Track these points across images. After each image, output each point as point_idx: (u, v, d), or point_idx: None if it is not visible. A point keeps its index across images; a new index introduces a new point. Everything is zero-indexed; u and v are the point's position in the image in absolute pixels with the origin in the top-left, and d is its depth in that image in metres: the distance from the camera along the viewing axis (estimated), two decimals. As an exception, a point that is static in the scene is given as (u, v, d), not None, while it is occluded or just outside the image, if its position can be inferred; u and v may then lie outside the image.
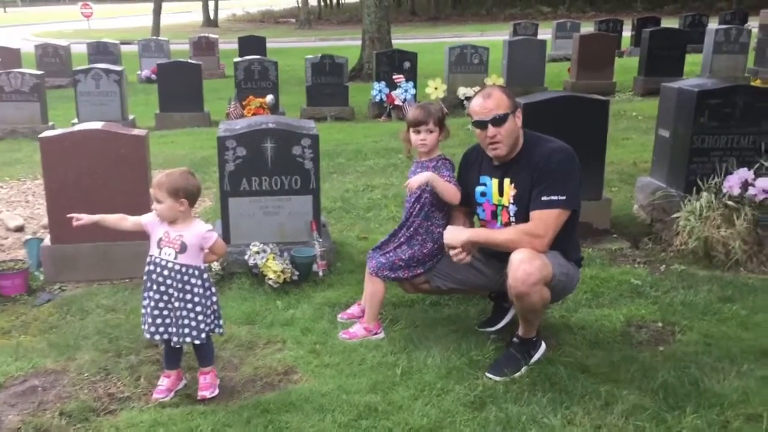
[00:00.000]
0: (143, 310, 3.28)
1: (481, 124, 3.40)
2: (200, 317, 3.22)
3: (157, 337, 3.26)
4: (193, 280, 3.21)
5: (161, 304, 3.22)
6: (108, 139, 4.68)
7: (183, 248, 3.20)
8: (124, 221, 3.40)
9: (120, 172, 4.67)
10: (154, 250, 3.25)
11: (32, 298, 4.56)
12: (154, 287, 3.22)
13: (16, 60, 15.02)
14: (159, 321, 3.23)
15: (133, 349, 3.77)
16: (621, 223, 5.62)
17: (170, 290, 3.21)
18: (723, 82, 5.52)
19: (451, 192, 3.63)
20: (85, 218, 3.39)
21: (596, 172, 5.23)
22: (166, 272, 3.20)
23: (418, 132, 3.68)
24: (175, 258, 3.19)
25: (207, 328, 3.26)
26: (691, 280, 4.50)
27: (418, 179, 3.62)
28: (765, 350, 3.58)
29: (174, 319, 3.22)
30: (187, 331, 3.21)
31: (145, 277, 3.26)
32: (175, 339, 3.23)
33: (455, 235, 3.48)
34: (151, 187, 3.21)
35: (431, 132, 3.68)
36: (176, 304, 3.20)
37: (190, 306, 3.21)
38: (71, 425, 3.12)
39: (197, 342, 3.26)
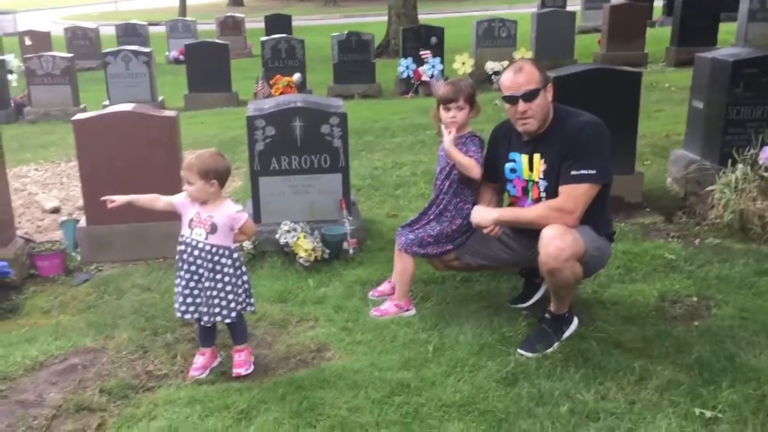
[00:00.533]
0: (176, 289, 3.33)
1: (512, 99, 3.36)
2: (230, 296, 3.26)
3: (188, 315, 3.31)
4: (223, 260, 3.25)
5: (192, 284, 3.27)
6: (139, 121, 4.73)
7: (213, 228, 3.23)
8: (157, 201, 3.44)
9: (152, 153, 4.73)
10: (185, 231, 3.29)
11: (69, 278, 4.65)
12: (185, 267, 3.27)
13: (47, 43, 15.19)
14: (189, 300, 3.28)
15: (168, 327, 3.84)
16: (654, 197, 5.54)
17: (201, 270, 3.25)
18: (759, 51, 5.39)
19: (468, 165, 3.60)
20: (118, 200, 3.44)
21: (628, 145, 5.16)
22: (196, 252, 3.24)
23: (448, 109, 3.66)
24: (206, 238, 3.23)
25: (238, 307, 3.30)
26: (727, 254, 4.44)
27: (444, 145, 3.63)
28: (803, 324, 3.53)
29: (204, 299, 3.27)
30: (217, 310, 3.26)
31: (177, 257, 3.31)
32: (205, 318, 3.28)
33: (483, 214, 3.47)
34: (182, 169, 3.25)
35: (461, 109, 3.65)
36: (207, 284, 3.25)
37: (220, 285, 3.25)
38: (111, 402, 3.19)
39: (227, 321, 3.30)
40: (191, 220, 3.27)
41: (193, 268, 3.25)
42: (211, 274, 3.24)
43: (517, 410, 2.94)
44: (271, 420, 2.94)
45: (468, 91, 3.66)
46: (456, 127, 3.67)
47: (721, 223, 4.76)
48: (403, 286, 3.88)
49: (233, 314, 3.29)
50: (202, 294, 3.27)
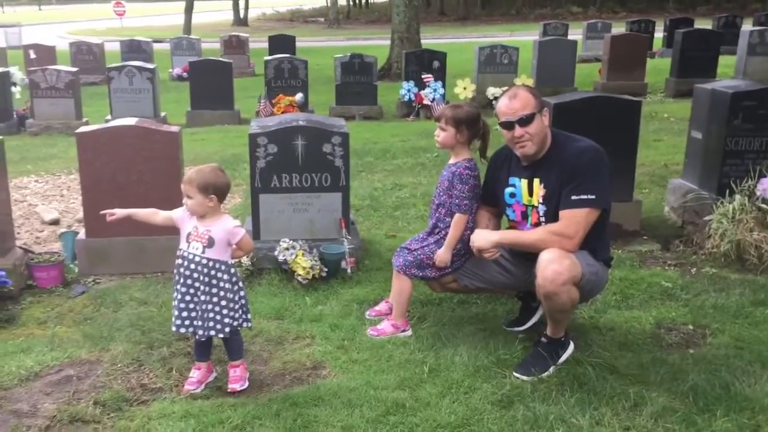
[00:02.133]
0: (173, 303, 3.34)
1: (508, 125, 3.40)
2: (225, 311, 3.27)
3: (183, 330, 3.31)
4: (219, 275, 3.26)
5: (188, 297, 3.28)
6: (142, 135, 4.76)
7: (210, 243, 3.25)
8: (156, 216, 3.46)
9: (154, 167, 4.75)
10: (183, 244, 3.31)
11: (67, 290, 4.65)
12: (182, 280, 3.28)
13: (51, 57, 15.30)
14: (185, 314, 3.29)
15: (165, 341, 3.84)
16: (651, 225, 5.57)
17: (197, 284, 3.26)
18: (758, 84, 5.45)
19: (457, 230, 3.70)
20: (118, 213, 3.47)
21: (627, 173, 5.20)
22: (193, 266, 3.25)
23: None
24: (203, 252, 3.25)
25: (233, 323, 3.31)
26: (723, 283, 4.46)
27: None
28: (798, 355, 3.54)
29: (200, 312, 3.27)
30: (211, 324, 3.26)
31: (174, 271, 3.32)
32: (200, 332, 3.29)
33: (484, 237, 3.49)
34: (182, 183, 3.27)
35: (443, 130, 3.72)
36: (203, 298, 3.25)
37: (215, 300, 3.26)
38: (105, 414, 3.18)
39: (221, 336, 3.31)
40: (189, 234, 3.29)
41: (189, 281, 3.27)
42: (207, 288, 3.25)
43: (511, 433, 2.94)
44: (265, 436, 2.94)
45: (450, 114, 3.70)
46: (439, 146, 3.77)
47: (717, 253, 4.78)
48: (401, 307, 3.89)
49: (227, 329, 3.29)
50: (197, 308, 3.28)
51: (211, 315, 3.25)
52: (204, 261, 3.25)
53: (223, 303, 3.26)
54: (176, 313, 3.29)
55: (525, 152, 3.44)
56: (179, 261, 3.30)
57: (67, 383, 3.45)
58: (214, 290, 3.25)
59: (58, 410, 3.19)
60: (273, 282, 4.60)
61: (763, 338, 3.75)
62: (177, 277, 3.30)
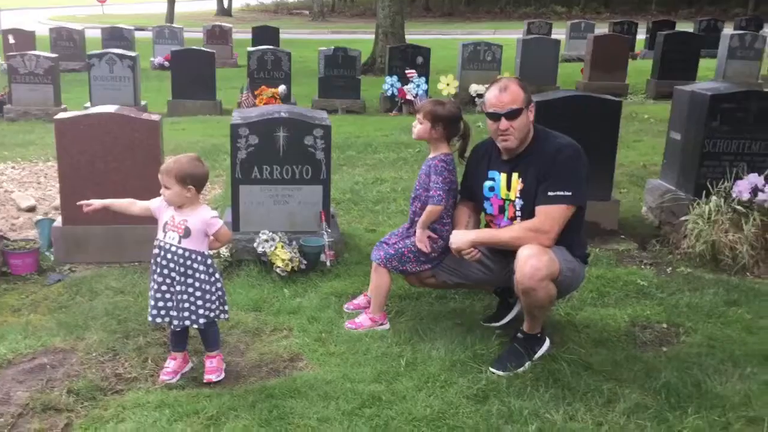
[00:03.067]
0: (149, 293, 3.32)
1: (495, 117, 3.41)
2: (199, 302, 3.25)
3: (159, 319, 3.30)
4: (195, 265, 3.24)
5: (164, 287, 3.26)
6: (122, 123, 4.71)
7: (187, 233, 3.23)
8: (133, 206, 3.44)
9: (133, 156, 4.71)
10: (159, 234, 3.29)
11: (42, 277, 4.60)
12: (158, 270, 3.26)
13: (31, 43, 15.07)
14: (161, 304, 3.27)
15: (140, 330, 3.81)
16: (629, 225, 5.63)
17: (173, 274, 3.24)
18: (736, 87, 5.51)
19: (430, 215, 3.70)
20: (95, 203, 3.44)
21: (606, 172, 5.24)
22: (169, 256, 3.23)
23: None
24: (179, 242, 3.23)
25: (210, 314, 3.29)
26: (697, 283, 4.51)
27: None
28: (768, 354, 3.60)
29: (175, 303, 3.26)
30: (186, 314, 3.25)
31: (151, 261, 3.30)
32: (175, 322, 3.27)
33: (461, 238, 3.50)
34: (159, 172, 3.25)
35: (420, 123, 3.74)
36: (178, 288, 3.24)
37: (191, 290, 3.24)
38: (78, 403, 3.16)
39: (195, 326, 3.29)
40: (166, 224, 3.27)
41: (165, 271, 3.25)
42: (183, 278, 3.23)
43: (486, 427, 2.96)
44: (240, 427, 2.94)
45: (429, 109, 3.71)
46: (415, 138, 3.79)
47: (693, 253, 4.84)
48: (379, 300, 3.89)
49: (201, 321, 3.27)
50: (173, 298, 3.26)
51: (187, 305, 3.24)
52: (180, 251, 3.23)
53: (199, 294, 3.24)
54: (152, 303, 3.28)
55: (507, 146, 3.45)
56: (156, 251, 3.28)
57: (40, 371, 3.42)
58: (190, 280, 3.23)
59: (31, 398, 3.16)
60: (252, 274, 4.59)
61: (735, 337, 3.80)
62: (153, 267, 3.28)
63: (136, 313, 3.99)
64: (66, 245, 4.82)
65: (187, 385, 3.32)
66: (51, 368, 3.45)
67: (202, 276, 3.25)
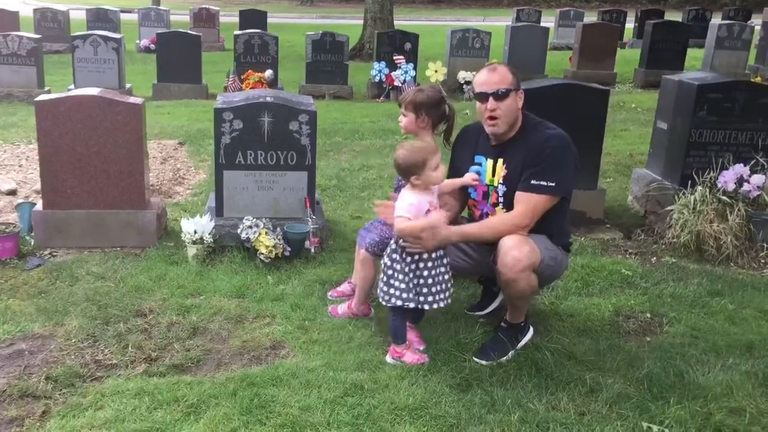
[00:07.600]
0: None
1: (483, 97, 3.38)
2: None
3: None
4: None
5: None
6: (104, 106, 4.64)
7: None
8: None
9: (115, 139, 4.64)
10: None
11: (22, 262, 4.53)
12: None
13: (14, 23, 14.84)
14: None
15: (121, 317, 3.77)
16: (614, 214, 5.63)
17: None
18: (723, 77, 5.51)
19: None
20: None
21: (592, 161, 5.23)
22: None
23: None
24: None
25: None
26: (682, 273, 4.52)
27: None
28: (751, 345, 3.61)
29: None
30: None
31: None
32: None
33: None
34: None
35: (405, 116, 3.67)
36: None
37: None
38: (57, 390, 3.12)
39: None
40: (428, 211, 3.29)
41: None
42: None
43: (468, 416, 2.95)
44: (220, 415, 2.90)
45: (409, 99, 3.63)
46: (404, 132, 3.72)
47: (677, 243, 4.85)
48: (364, 292, 3.86)
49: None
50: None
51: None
52: None
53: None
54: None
55: (495, 131, 3.42)
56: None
57: (18, 357, 3.37)
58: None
59: (8, 384, 3.12)
60: (235, 260, 4.54)
61: (718, 328, 3.81)
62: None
63: (117, 299, 3.95)
64: (47, 229, 4.75)
65: (168, 373, 3.28)
66: (29, 354, 3.40)
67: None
